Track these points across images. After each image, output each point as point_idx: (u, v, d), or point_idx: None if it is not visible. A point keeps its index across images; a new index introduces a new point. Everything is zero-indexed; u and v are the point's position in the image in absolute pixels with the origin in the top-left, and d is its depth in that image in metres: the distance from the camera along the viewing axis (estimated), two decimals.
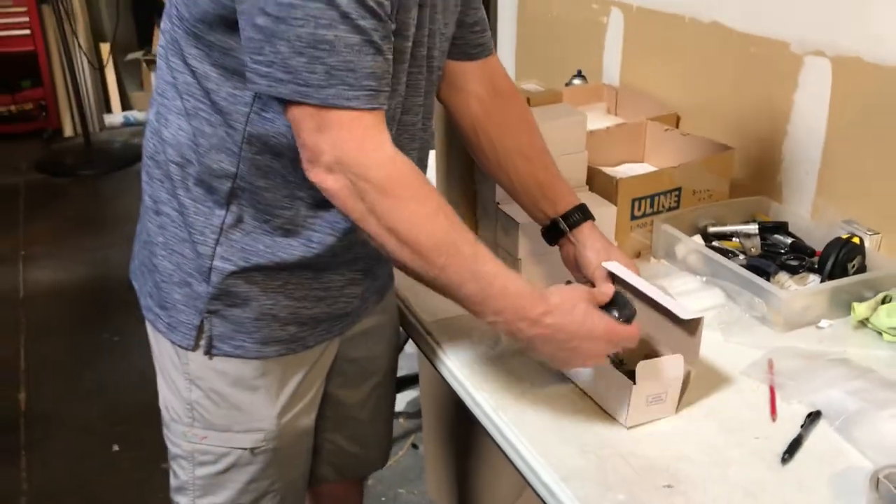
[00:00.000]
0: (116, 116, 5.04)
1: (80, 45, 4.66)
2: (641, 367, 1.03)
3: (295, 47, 0.84)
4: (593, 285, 1.14)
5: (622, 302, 1.08)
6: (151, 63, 4.81)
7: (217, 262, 1.03)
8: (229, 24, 0.90)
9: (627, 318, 1.06)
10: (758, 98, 1.62)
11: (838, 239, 1.35)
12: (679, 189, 1.51)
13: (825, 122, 1.48)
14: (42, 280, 3.31)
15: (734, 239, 1.50)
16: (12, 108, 4.72)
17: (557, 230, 1.21)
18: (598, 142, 1.59)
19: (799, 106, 1.53)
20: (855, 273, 1.34)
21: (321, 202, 1.00)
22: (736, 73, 1.66)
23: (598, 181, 1.48)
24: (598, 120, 1.85)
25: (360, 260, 1.12)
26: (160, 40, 1.05)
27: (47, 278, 3.32)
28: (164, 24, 1.01)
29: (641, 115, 1.80)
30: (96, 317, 3.03)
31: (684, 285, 1.38)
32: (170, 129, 1.02)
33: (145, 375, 2.55)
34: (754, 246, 1.47)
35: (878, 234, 1.41)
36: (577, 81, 2.03)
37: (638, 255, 1.51)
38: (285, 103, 0.89)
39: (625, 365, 1.09)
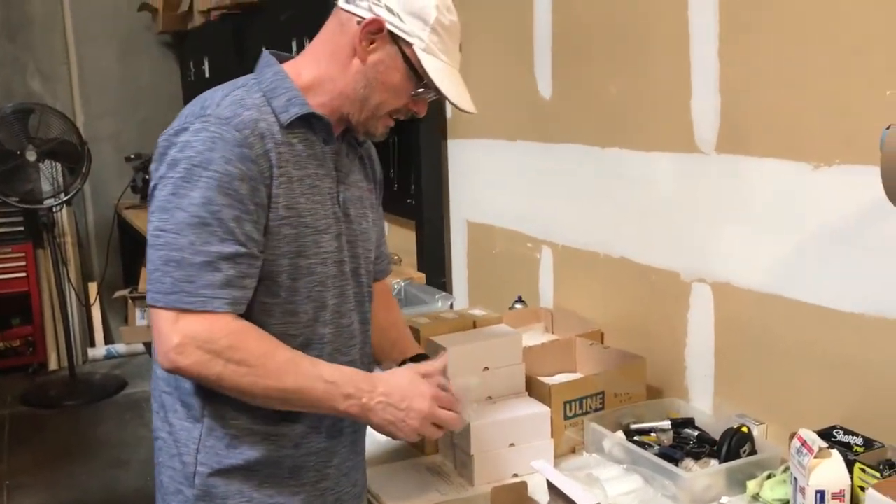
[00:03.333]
0: (99, 350, 5.31)
1: (71, 286, 5.03)
2: None
3: (155, 265, 1.19)
4: None
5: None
6: (137, 300, 5.16)
7: (199, 468, 1.31)
8: None
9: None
10: (661, 316, 1.97)
11: (731, 429, 1.65)
12: (602, 392, 1.82)
13: (713, 334, 1.83)
14: None
15: (652, 434, 1.79)
16: (1, 345, 4.98)
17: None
18: (535, 356, 1.92)
19: (692, 323, 1.88)
20: (747, 456, 1.63)
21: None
22: (642, 297, 2.03)
23: (534, 388, 1.80)
24: (536, 337, 2.20)
25: (324, 451, 1.38)
26: None
27: None
28: None
29: (573, 333, 2.15)
30: None
31: (609, 472, 1.65)
32: (160, 370, 1.32)
33: None
34: (668, 439, 1.76)
35: (764, 423, 1.72)
36: (518, 306, 2.39)
37: (573, 449, 1.79)
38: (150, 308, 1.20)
39: None
